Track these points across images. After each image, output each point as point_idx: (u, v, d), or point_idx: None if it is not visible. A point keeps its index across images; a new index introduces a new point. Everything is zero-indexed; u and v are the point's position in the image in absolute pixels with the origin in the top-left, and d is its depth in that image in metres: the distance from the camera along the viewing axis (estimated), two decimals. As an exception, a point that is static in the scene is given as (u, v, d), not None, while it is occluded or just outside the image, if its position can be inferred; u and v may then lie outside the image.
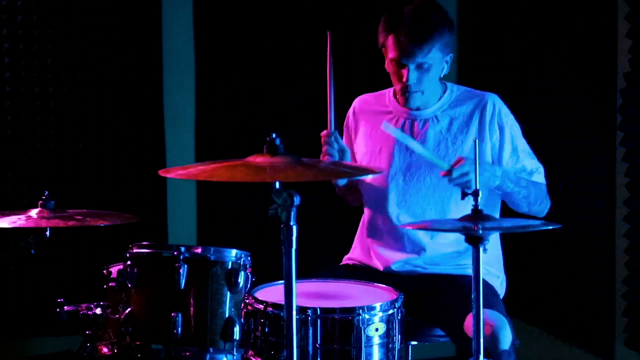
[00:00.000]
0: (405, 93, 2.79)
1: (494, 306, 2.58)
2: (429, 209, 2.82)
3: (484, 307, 2.18)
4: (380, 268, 2.89)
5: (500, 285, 2.91)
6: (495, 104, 2.84)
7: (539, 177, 2.86)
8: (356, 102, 3.03)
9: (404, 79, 2.75)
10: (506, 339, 2.48)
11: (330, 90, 2.78)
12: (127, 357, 2.45)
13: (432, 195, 2.82)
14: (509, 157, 2.82)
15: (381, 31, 2.81)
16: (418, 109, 2.85)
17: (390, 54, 2.76)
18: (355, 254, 3.02)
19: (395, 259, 2.87)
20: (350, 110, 3.03)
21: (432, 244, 2.84)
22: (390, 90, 2.95)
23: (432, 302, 2.74)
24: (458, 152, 2.80)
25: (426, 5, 2.76)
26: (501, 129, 2.82)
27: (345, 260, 3.04)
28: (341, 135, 3.04)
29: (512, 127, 2.84)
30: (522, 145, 2.85)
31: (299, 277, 2.04)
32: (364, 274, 2.87)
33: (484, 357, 2.16)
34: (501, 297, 2.88)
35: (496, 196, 2.86)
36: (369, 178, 2.93)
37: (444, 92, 2.88)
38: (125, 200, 3.91)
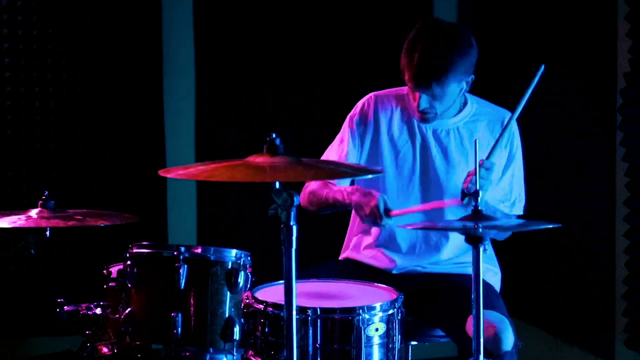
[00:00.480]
0: (421, 114, 2.77)
1: (496, 307, 2.58)
2: (440, 217, 2.81)
3: (486, 308, 2.18)
4: (381, 267, 2.89)
5: (498, 281, 2.92)
6: (512, 125, 2.82)
7: (519, 207, 2.87)
8: (376, 99, 2.91)
9: (416, 105, 2.74)
10: (508, 340, 2.49)
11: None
12: (127, 357, 2.45)
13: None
14: (508, 177, 2.84)
15: (403, 53, 2.73)
16: (439, 119, 2.82)
17: (406, 79, 2.72)
18: (352, 253, 3.01)
19: (396, 258, 2.88)
20: (369, 106, 2.90)
21: (444, 246, 2.85)
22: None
23: (433, 302, 2.74)
24: (471, 164, 2.79)
25: (444, 38, 2.67)
26: (510, 150, 2.84)
27: (343, 257, 3.04)
28: (334, 127, 3.00)
29: (519, 151, 2.87)
30: (521, 170, 2.88)
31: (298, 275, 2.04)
32: (364, 272, 2.87)
33: (485, 357, 2.16)
34: (498, 291, 2.89)
35: None
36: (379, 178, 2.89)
37: (464, 104, 2.85)
38: (125, 200, 3.91)
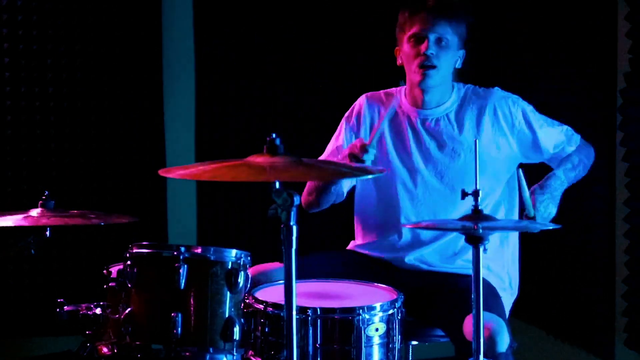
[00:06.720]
0: (422, 67, 2.78)
1: (492, 308, 2.58)
2: (443, 208, 2.83)
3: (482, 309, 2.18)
4: (386, 258, 2.91)
5: (508, 286, 2.92)
6: (504, 98, 2.86)
7: (574, 137, 2.91)
8: (366, 98, 2.98)
9: (423, 50, 2.75)
10: (503, 342, 2.49)
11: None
12: (127, 357, 2.45)
13: (448, 195, 2.83)
14: (545, 136, 2.85)
15: (403, 12, 2.82)
16: (429, 107, 2.85)
17: (412, 29, 2.78)
18: (358, 247, 3.02)
19: (398, 254, 2.88)
20: (361, 106, 2.97)
21: (435, 241, 2.86)
22: (402, 89, 2.94)
23: (433, 301, 2.75)
24: (467, 151, 2.82)
25: None
26: (524, 115, 2.85)
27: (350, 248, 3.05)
28: (335, 127, 3.02)
29: (530, 110, 2.87)
30: (544, 118, 2.89)
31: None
32: (367, 265, 2.88)
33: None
34: (514, 298, 2.91)
35: (514, 196, 2.90)
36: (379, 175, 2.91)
37: (452, 91, 2.89)
38: (126, 200, 3.91)
